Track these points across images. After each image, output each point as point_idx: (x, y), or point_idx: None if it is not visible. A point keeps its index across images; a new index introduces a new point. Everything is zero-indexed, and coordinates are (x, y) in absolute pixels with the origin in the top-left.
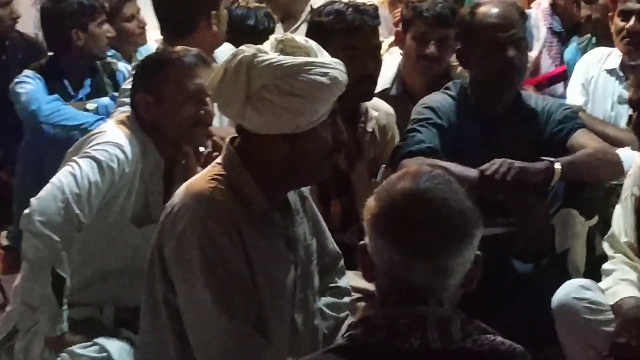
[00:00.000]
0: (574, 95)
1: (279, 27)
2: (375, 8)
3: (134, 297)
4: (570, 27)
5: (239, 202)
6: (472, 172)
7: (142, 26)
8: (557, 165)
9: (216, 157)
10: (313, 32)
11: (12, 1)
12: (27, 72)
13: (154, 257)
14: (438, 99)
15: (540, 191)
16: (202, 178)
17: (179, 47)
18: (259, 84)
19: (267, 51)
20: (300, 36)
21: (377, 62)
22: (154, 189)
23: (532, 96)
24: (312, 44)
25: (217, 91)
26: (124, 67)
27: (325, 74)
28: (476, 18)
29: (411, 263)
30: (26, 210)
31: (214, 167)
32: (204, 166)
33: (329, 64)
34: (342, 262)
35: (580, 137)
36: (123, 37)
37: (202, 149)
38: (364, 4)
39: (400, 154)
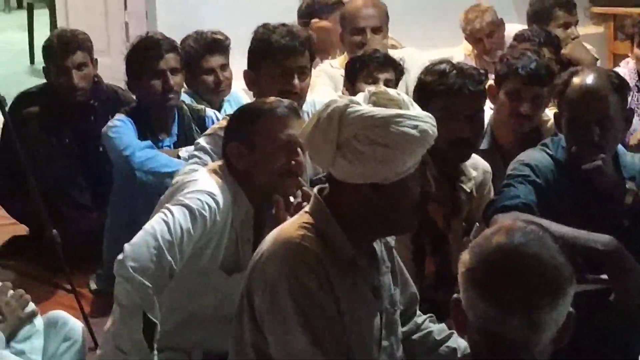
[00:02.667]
0: None
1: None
2: (481, 73)
3: (222, 343)
4: None
5: (327, 250)
6: (566, 230)
7: (219, 81)
8: None
9: (301, 206)
10: (417, 89)
11: (90, 64)
12: (118, 116)
13: (243, 304)
14: (536, 156)
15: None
16: (291, 225)
17: (271, 98)
18: (350, 133)
19: (360, 102)
20: (392, 89)
21: (476, 127)
22: (244, 237)
23: (629, 155)
24: (404, 97)
25: (308, 139)
26: (212, 114)
27: (415, 127)
28: (568, 90)
29: (505, 317)
30: (119, 256)
31: (303, 216)
32: (293, 216)
33: (419, 117)
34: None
35: None
36: (203, 88)
37: (291, 198)
38: (470, 67)
39: (494, 208)
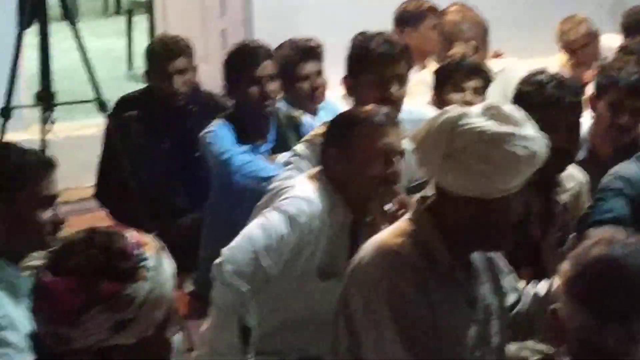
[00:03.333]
0: None
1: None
2: (579, 84)
3: (317, 348)
4: None
5: (426, 258)
6: None
7: (314, 88)
8: None
9: (401, 215)
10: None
11: (190, 70)
12: (217, 121)
13: (339, 307)
14: (631, 168)
15: None
16: (391, 232)
17: (369, 106)
18: (459, 145)
19: (473, 115)
20: (509, 105)
21: (573, 138)
22: (339, 244)
23: None
24: (520, 115)
25: (419, 145)
26: (308, 121)
27: (525, 148)
28: None
29: (604, 328)
30: (217, 260)
31: (403, 223)
32: (389, 224)
33: (531, 138)
34: None
35: None
36: (298, 95)
37: (387, 206)
38: (569, 79)
39: (587, 222)
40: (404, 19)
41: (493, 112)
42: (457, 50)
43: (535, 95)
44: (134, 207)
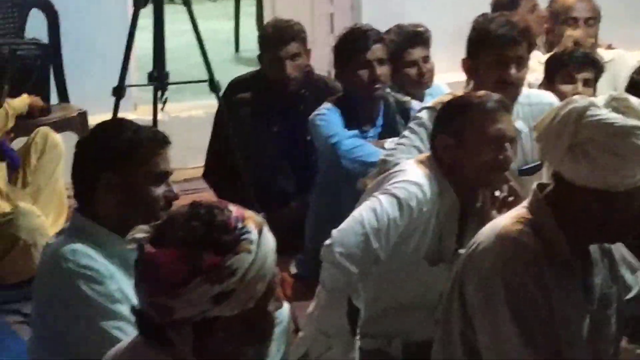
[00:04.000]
0: None
1: None
2: None
3: (422, 332)
4: None
5: (543, 247)
6: None
7: (422, 73)
8: None
9: (511, 202)
10: (628, 89)
11: (303, 54)
12: (326, 104)
13: (452, 294)
14: None
15: None
16: (508, 220)
17: (481, 92)
18: (585, 136)
19: (600, 106)
20: (635, 98)
21: None
22: (448, 229)
23: None
24: None
25: (543, 133)
26: (417, 106)
27: None
28: None
29: None
30: (327, 241)
31: (521, 210)
32: (498, 210)
33: None
34: None
35: None
36: (406, 80)
37: (497, 193)
38: None
39: None
40: (500, 4)
41: (620, 104)
42: (573, 34)
43: None
44: (242, 189)
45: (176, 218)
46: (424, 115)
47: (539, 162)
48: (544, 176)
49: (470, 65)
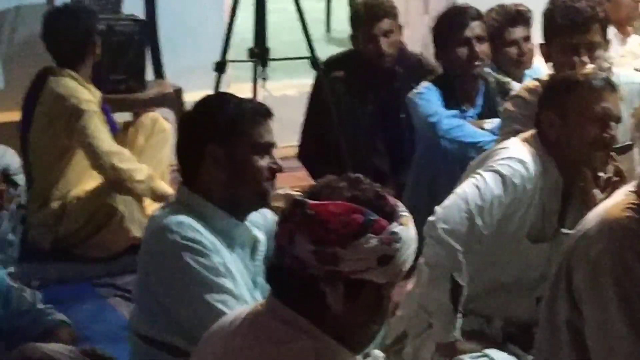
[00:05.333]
0: None
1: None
2: None
3: (522, 312)
4: None
5: None
6: None
7: (522, 53)
8: None
9: (616, 182)
10: None
11: (396, 31)
12: (425, 83)
13: (559, 278)
14: None
15: None
16: (617, 205)
17: (588, 69)
18: None
19: None
20: None
21: None
22: (551, 207)
23: None
24: None
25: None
26: (517, 87)
27: None
28: None
29: None
30: (431, 218)
31: (629, 195)
32: (602, 191)
33: None
34: None
35: None
36: (506, 60)
37: (602, 173)
38: None
39: None
40: None
41: None
42: None
43: None
44: (336, 169)
45: (334, 182)
46: (509, 106)
47: (629, 142)
48: (636, 156)
49: (545, 50)
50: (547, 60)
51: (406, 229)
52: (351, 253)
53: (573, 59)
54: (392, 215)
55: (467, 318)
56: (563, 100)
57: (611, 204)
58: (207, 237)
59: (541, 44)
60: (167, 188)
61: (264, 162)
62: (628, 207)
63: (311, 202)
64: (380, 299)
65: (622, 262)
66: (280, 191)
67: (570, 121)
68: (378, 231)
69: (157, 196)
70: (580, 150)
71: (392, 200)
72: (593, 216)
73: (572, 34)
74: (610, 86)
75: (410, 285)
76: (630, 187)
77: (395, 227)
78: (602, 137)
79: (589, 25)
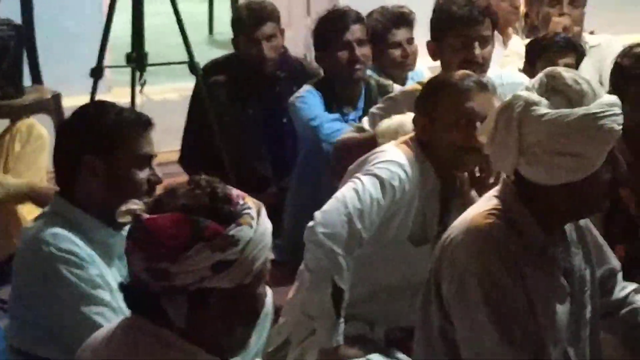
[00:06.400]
0: None
1: None
2: None
3: (406, 317)
4: None
5: (517, 236)
6: None
7: (406, 55)
8: None
9: (482, 177)
10: (613, 73)
11: (278, 35)
12: (306, 87)
13: (429, 288)
14: None
15: None
16: (480, 212)
17: (460, 72)
18: (532, 140)
19: (540, 103)
20: (571, 72)
21: None
22: (431, 209)
23: None
24: (585, 85)
25: (490, 141)
26: (399, 89)
27: (600, 127)
28: None
29: None
30: (310, 223)
31: (491, 201)
32: (478, 191)
33: (603, 114)
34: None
35: None
36: (389, 63)
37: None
38: None
39: None
40: None
41: (556, 82)
42: (562, 20)
43: (634, 68)
44: (218, 174)
45: (176, 189)
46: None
47: None
48: None
49: (435, 48)
50: (435, 58)
51: (247, 228)
52: (181, 266)
53: (465, 54)
54: (229, 217)
55: (349, 323)
56: (431, 103)
57: (475, 211)
58: (83, 248)
59: (429, 42)
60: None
61: (143, 174)
62: (491, 214)
63: (146, 216)
64: (236, 302)
65: (488, 271)
66: (123, 207)
67: (438, 123)
68: (210, 238)
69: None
70: (451, 152)
71: (235, 198)
72: (459, 223)
73: (468, 25)
74: (480, 87)
75: (291, 292)
76: (493, 192)
77: (232, 230)
78: (468, 137)
79: (483, 18)
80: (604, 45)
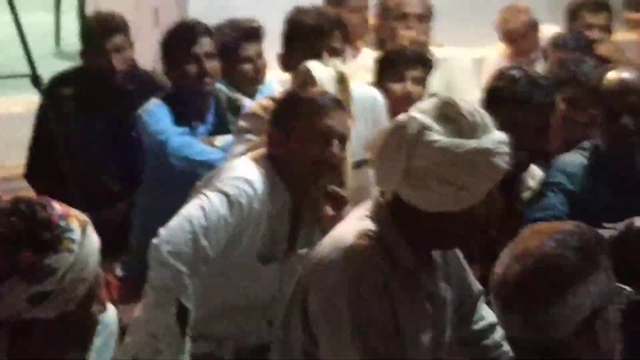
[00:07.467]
0: None
1: None
2: (549, 85)
3: (254, 335)
4: None
5: (388, 260)
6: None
7: (258, 69)
8: None
9: (342, 197)
10: (487, 93)
11: (128, 47)
12: (154, 100)
13: (293, 303)
14: (572, 160)
15: None
16: (351, 232)
17: (315, 89)
18: (419, 164)
19: (433, 129)
20: (467, 103)
21: (542, 139)
22: (280, 227)
23: None
24: (478, 118)
25: (376, 158)
26: (249, 104)
27: (489, 163)
28: (602, 83)
29: (506, 319)
30: (155, 240)
31: (363, 221)
32: (333, 207)
33: (494, 150)
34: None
35: None
36: (240, 77)
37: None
38: (542, 77)
39: (526, 219)
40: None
41: (450, 111)
42: (407, 34)
43: (506, 91)
44: (65, 190)
45: None
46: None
47: (365, 158)
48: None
49: (286, 59)
50: (286, 69)
51: (66, 254)
52: None
53: None
54: (48, 245)
55: (198, 342)
56: (288, 118)
57: (346, 230)
58: None
59: (281, 54)
60: None
61: None
62: (363, 234)
63: None
64: (63, 328)
65: (358, 292)
66: None
67: (294, 139)
68: (25, 270)
69: None
70: (306, 169)
71: (55, 221)
72: (328, 242)
73: (318, 37)
74: (337, 105)
75: (138, 309)
76: (364, 211)
77: (49, 259)
78: (324, 154)
79: (334, 30)
80: (451, 58)
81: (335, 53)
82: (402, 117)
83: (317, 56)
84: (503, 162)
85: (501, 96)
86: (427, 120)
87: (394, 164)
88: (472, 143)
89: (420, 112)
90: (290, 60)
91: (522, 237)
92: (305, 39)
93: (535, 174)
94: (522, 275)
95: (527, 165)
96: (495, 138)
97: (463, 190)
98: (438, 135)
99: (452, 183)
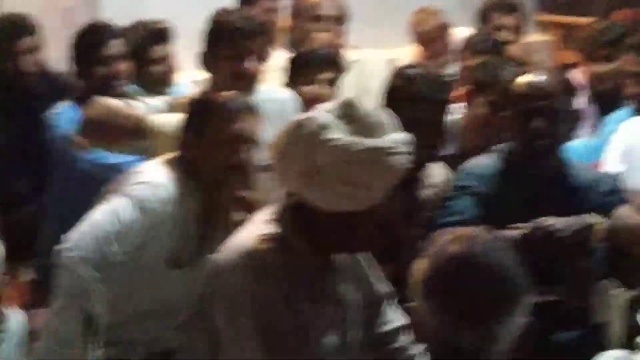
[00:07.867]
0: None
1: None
2: (446, 82)
3: (164, 341)
4: None
5: (291, 262)
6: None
7: (168, 71)
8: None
9: (253, 201)
10: (386, 92)
11: (38, 48)
12: (66, 102)
13: (198, 311)
14: (484, 162)
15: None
16: (254, 235)
17: (228, 92)
18: (320, 163)
19: (333, 127)
20: (368, 104)
21: (438, 136)
22: (190, 232)
23: (580, 166)
24: (379, 118)
25: (277, 159)
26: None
27: (387, 163)
28: (513, 85)
29: (459, 328)
30: (60, 245)
31: (267, 224)
32: (244, 212)
33: (393, 149)
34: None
35: (625, 211)
36: (150, 79)
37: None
38: (439, 75)
39: (435, 224)
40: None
41: (348, 112)
42: (320, 36)
43: (404, 90)
44: None
45: None
46: None
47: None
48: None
49: (207, 58)
50: (206, 68)
51: None
52: None
53: (236, 65)
54: None
55: (108, 348)
56: (199, 121)
57: (247, 234)
58: None
59: (203, 53)
60: None
61: None
62: (265, 238)
63: None
64: None
65: (261, 297)
66: None
67: (205, 141)
68: None
69: None
70: (216, 173)
71: None
72: (230, 247)
73: (242, 39)
74: (247, 109)
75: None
76: (268, 214)
77: None
78: (233, 158)
79: (258, 32)
80: (364, 60)
81: (260, 56)
82: (300, 116)
83: (240, 57)
84: (401, 162)
85: (400, 95)
86: (326, 119)
87: (293, 162)
88: (370, 142)
89: (321, 112)
90: (210, 59)
91: (459, 240)
92: (230, 39)
93: (439, 173)
94: (478, 285)
95: (426, 164)
96: (394, 138)
97: (361, 189)
98: (336, 134)
99: (349, 182)
